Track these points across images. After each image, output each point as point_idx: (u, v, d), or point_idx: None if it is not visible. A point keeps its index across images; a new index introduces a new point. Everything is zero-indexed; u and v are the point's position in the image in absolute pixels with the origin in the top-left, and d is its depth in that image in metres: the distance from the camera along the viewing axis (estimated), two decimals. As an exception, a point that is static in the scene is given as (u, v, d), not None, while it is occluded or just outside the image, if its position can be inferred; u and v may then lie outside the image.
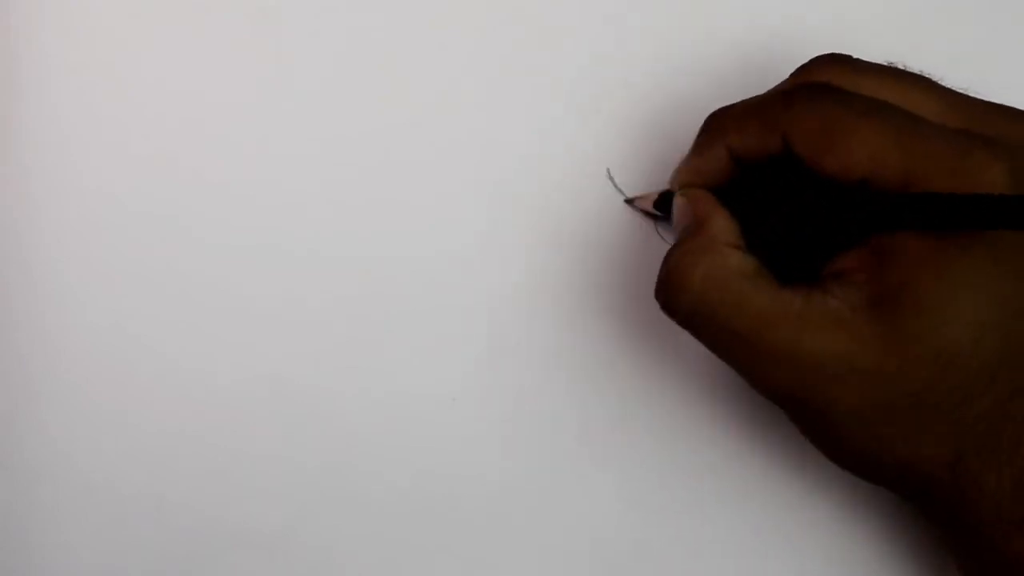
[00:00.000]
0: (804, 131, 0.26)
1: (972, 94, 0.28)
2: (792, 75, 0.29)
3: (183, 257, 0.33)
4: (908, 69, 0.28)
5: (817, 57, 0.29)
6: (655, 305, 0.29)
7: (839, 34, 0.35)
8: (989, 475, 0.25)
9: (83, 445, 0.33)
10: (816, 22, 0.35)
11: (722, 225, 0.28)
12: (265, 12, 0.34)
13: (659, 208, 0.32)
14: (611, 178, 0.34)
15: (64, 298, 0.33)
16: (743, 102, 0.28)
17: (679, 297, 0.27)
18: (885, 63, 0.28)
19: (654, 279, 0.28)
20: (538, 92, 0.34)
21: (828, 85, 0.27)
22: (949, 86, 0.28)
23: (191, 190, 0.33)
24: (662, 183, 0.34)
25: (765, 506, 0.32)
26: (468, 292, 0.33)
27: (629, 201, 0.33)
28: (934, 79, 0.28)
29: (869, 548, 0.32)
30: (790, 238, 0.27)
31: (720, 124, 0.29)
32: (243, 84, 0.34)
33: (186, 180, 0.33)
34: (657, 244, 0.34)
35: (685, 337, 0.28)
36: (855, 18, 0.35)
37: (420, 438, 0.33)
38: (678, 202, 0.29)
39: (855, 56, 0.28)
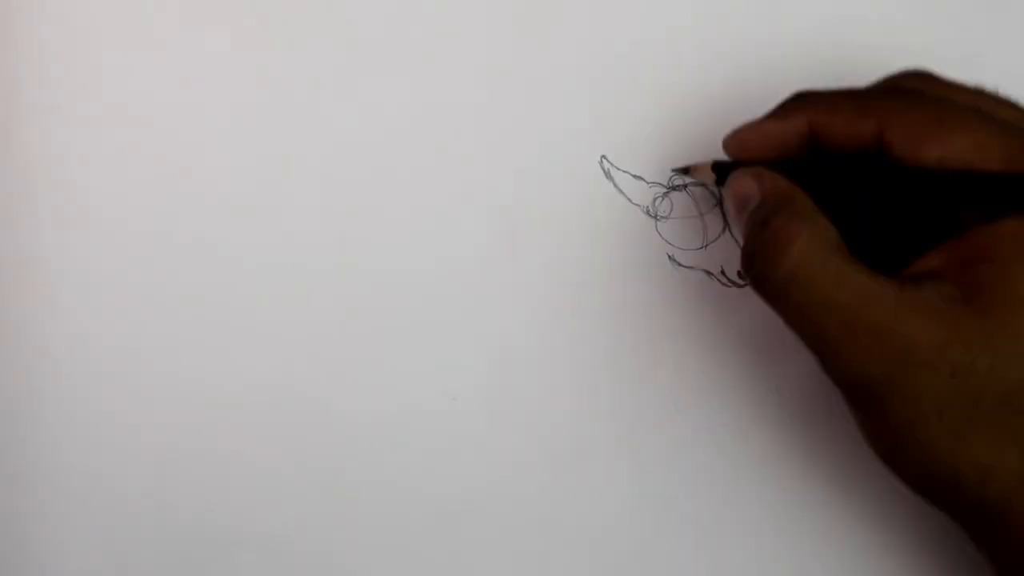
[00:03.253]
0: (906, 120, 0.26)
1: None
2: (877, 83, 0.29)
3: (184, 262, 0.33)
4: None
5: (904, 71, 0.29)
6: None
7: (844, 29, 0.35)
8: None
9: (83, 446, 0.33)
10: (818, 22, 0.35)
11: (806, 199, 0.27)
12: (265, 19, 0.34)
13: (718, 171, 0.31)
14: (606, 170, 0.34)
15: (65, 301, 0.33)
16: (837, 89, 0.28)
17: (775, 265, 0.26)
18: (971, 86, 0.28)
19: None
20: (538, 93, 0.34)
21: (922, 91, 0.27)
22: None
23: (193, 197, 0.33)
24: (661, 177, 0.34)
25: (765, 510, 0.32)
26: (468, 293, 0.33)
27: (682, 171, 0.32)
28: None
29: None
30: (873, 230, 0.27)
31: (811, 97, 0.28)
32: (245, 91, 0.34)
33: (188, 187, 0.33)
34: (658, 244, 0.34)
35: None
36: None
37: (420, 438, 0.33)
38: (743, 179, 0.29)
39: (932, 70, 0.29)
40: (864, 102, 0.27)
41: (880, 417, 0.26)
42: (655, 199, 0.34)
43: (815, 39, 0.35)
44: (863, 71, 0.30)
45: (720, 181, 0.31)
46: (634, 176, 0.34)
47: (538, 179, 0.34)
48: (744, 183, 0.28)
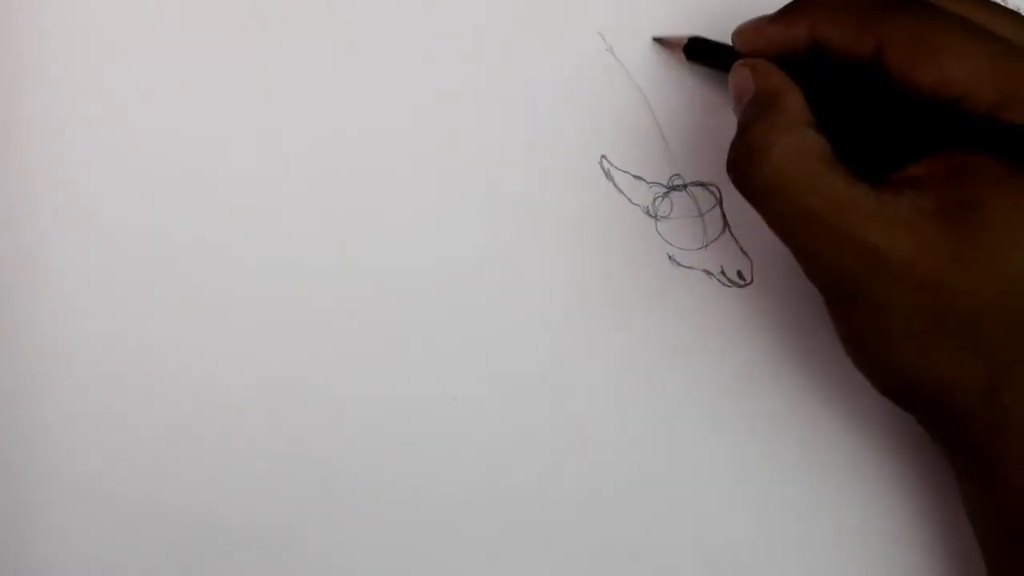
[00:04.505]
0: (904, 38, 0.26)
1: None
2: None
3: (184, 262, 0.33)
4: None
5: None
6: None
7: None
8: (1019, 411, 0.25)
9: (83, 445, 0.33)
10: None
11: (798, 102, 0.27)
12: (265, 19, 0.34)
13: (689, 53, 0.32)
14: (606, 170, 0.34)
15: (65, 301, 0.33)
16: None
17: (756, 171, 0.27)
18: None
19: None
20: (538, 93, 0.34)
21: (928, 3, 0.27)
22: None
23: (193, 196, 0.33)
24: (660, 177, 0.34)
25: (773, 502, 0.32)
26: (468, 292, 0.33)
27: (659, 40, 0.33)
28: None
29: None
30: (865, 137, 0.27)
31: (815, 6, 0.28)
32: (245, 88, 0.34)
33: (188, 186, 0.33)
34: (658, 244, 0.34)
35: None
36: None
37: (420, 438, 0.33)
38: (742, 72, 0.29)
39: None
40: (865, 16, 0.27)
41: (850, 322, 0.27)
42: (655, 199, 0.34)
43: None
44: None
45: (692, 57, 0.32)
46: (634, 176, 0.34)
47: (538, 179, 0.34)
48: (741, 77, 0.29)
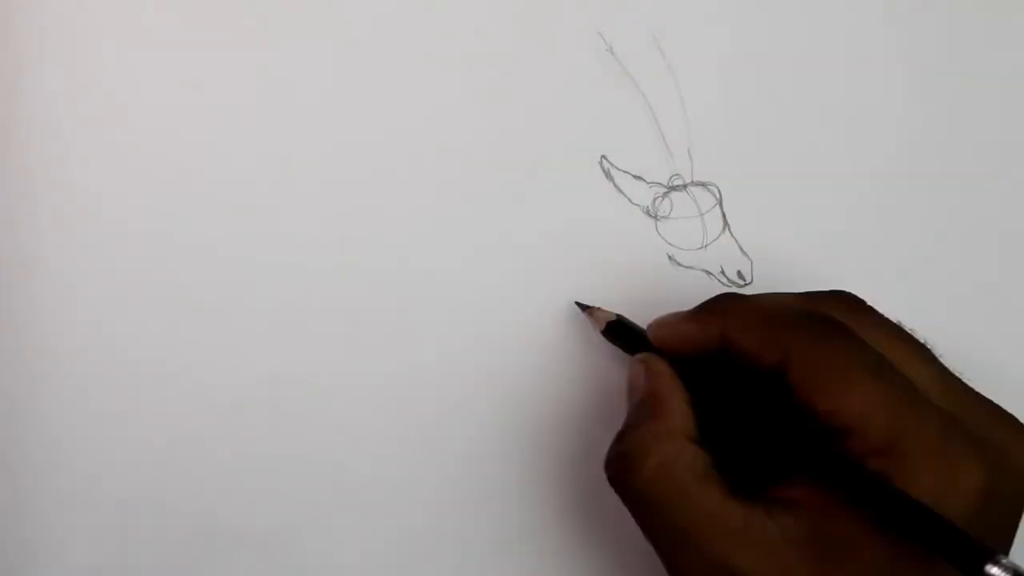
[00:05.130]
0: (808, 362, 0.26)
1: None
2: (807, 296, 0.28)
3: (184, 262, 0.33)
4: (914, 333, 0.28)
5: (832, 292, 0.29)
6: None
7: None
8: None
9: (83, 445, 0.33)
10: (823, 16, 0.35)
11: (682, 412, 0.28)
12: (265, 19, 0.34)
13: (607, 332, 0.32)
14: (606, 170, 0.34)
15: (65, 301, 0.33)
16: (757, 300, 0.28)
17: (629, 478, 0.27)
18: (895, 321, 0.28)
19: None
20: (538, 93, 0.34)
21: (843, 325, 0.27)
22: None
23: (193, 196, 0.33)
24: (660, 177, 0.34)
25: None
26: (468, 293, 0.33)
27: (581, 306, 0.33)
28: (936, 353, 0.28)
29: None
30: (756, 447, 0.27)
31: (729, 312, 0.28)
32: (243, 90, 0.34)
33: (188, 186, 0.33)
34: (658, 244, 0.34)
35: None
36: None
37: (420, 438, 0.33)
38: (637, 368, 0.29)
39: (871, 305, 0.28)
40: (774, 330, 0.27)
41: None
42: (655, 199, 0.34)
43: (816, 48, 0.35)
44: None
45: (609, 335, 0.31)
46: (634, 176, 0.34)
47: (538, 179, 0.34)
48: (636, 373, 0.29)
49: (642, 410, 0.28)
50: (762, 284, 0.34)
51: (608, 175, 0.34)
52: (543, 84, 0.34)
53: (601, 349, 0.33)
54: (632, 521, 0.27)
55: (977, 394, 0.27)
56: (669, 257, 0.34)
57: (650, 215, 0.34)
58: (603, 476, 0.28)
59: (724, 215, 0.34)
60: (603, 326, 0.32)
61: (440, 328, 0.33)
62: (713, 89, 0.34)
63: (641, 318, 0.33)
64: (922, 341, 0.28)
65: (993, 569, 0.22)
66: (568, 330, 0.33)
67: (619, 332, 0.31)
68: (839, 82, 0.35)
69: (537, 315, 0.33)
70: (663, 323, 0.30)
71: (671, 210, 0.34)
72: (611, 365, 0.33)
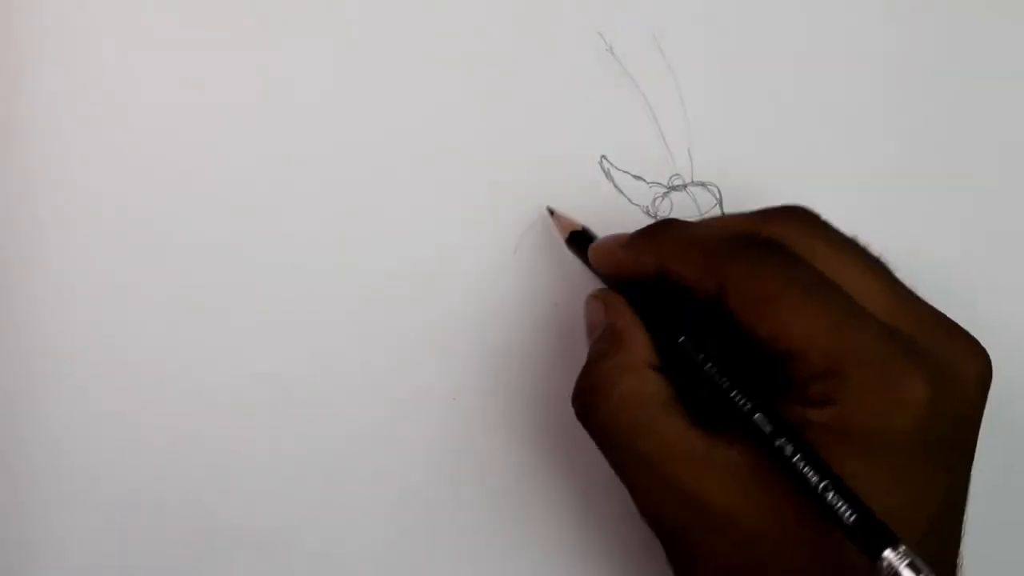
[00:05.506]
0: (744, 289, 0.26)
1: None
2: (755, 213, 0.28)
3: (184, 261, 0.33)
4: (868, 248, 0.27)
5: (785, 207, 0.28)
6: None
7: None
8: None
9: (83, 445, 0.33)
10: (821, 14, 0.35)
11: (641, 342, 0.27)
12: (265, 19, 0.34)
13: (572, 240, 0.32)
14: (606, 170, 0.34)
15: (65, 301, 0.33)
16: (694, 228, 0.28)
17: (595, 411, 0.27)
18: (849, 235, 0.27)
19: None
20: (538, 93, 0.34)
21: (782, 247, 0.26)
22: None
23: (193, 196, 0.33)
24: (660, 177, 0.34)
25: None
26: (468, 293, 0.33)
27: (551, 211, 0.33)
28: (890, 267, 0.27)
29: None
30: (703, 379, 0.26)
31: (665, 240, 0.28)
32: (243, 90, 0.34)
33: (188, 186, 0.33)
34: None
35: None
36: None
37: (421, 438, 0.33)
38: (593, 304, 0.29)
39: (823, 218, 0.28)
40: (709, 257, 0.26)
41: (675, 565, 0.27)
42: (655, 199, 0.34)
43: (816, 48, 0.35)
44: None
45: (570, 244, 0.31)
46: (634, 176, 0.34)
47: (538, 179, 0.34)
48: (594, 309, 0.29)
49: (603, 344, 0.28)
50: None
51: (608, 175, 0.34)
52: (543, 84, 0.34)
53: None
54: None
55: (927, 306, 0.27)
56: (669, 257, 0.34)
57: (650, 215, 0.34)
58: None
59: (724, 215, 0.34)
60: (567, 235, 0.32)
61: (440, 328, 0.33)
62: (713, 89, 0.34)
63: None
64: (876, 255, 0.27)
65: (890, 555, 0.22)
66: (570, 327, 0.33)
67: (581, 243, 0.31)
68: (839, 82, 0.35)
69: (537, 315, 0.33)
70: (601, 247, 0.30)
71: (671, 210, 0.34)
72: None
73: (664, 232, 0.28)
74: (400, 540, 0.33)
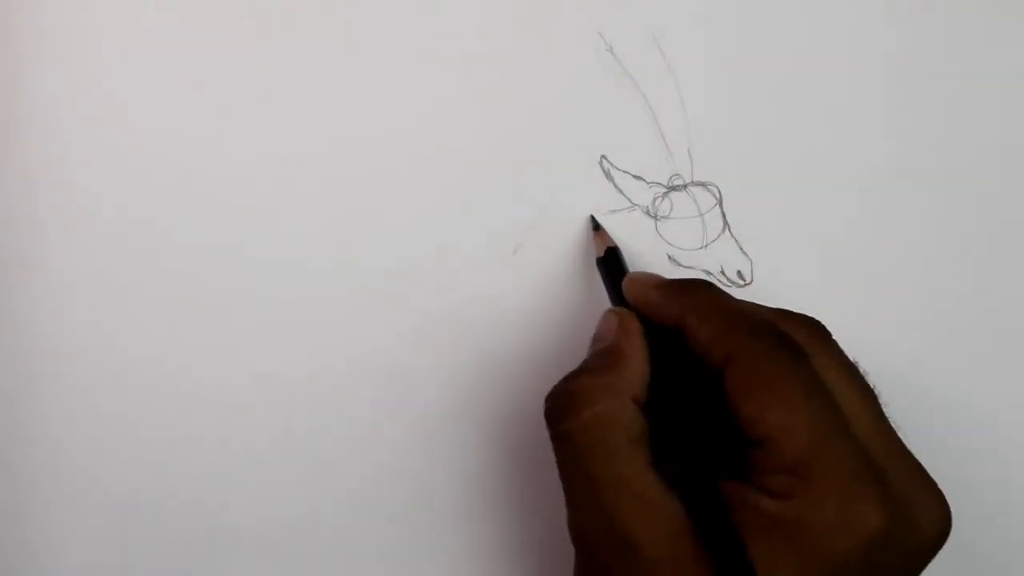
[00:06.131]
0: (749, 367, 0.26)
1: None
2: (778, 310, 0.29)
3: (184, 261, 0.33)
4: (866, 376, 0.28)
5: (806, 316, 0.29)
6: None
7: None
8: None
9: (83, 445, 0.33)
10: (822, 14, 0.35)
11: (636, 372, 0.28)
12: (265, 19, 0.34)
13: (603, 258, 0.32)
14: (606, 170, 0.34)
15: (65, 301, 0.33)
16: (725, 297, 0.28)
17: (565, 418, 0.27)
18: (852, 359, 0.28)
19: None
20: (538, 93, 0.34)
21: (795, 344, 0.27)
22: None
23: (193, 196, 0.33)
24: (660, 177, 0.34)
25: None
26: (468, 293, 0.33)
27: (595, 222, 0.33)
28: (882, 401, 0.28)
29: None
30: (677, 433, 0.27)
31: (695, 296, 0.28)
32: (243, 90, 0.34)
33: (188, 186, 0.33)
34: (658, 244, 0.34)
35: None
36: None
37: (421, 438, 0.33)
38: (610, 318, 0.29)
39: (833, 336, 0.28)
40: (728, 328, 0.27)
41: None
42: (655, 199, 0.34)
43: (816, 48, 0.35)
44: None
45: (601, 262, 0.32)
46: (634, 176, 0.34)
47: (538, 179, 0.34)
48: (607, 321, 0.29)
49: (601, 359, 0.28)
50: (762, 284, 0.34)
51: (608, 175, 0.34)
52: (543, 84, 0.34)
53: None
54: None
55: (905, 448, 0.27)
56: (669, 257, 0.34)
57: (650, 215, 0.34)
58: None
59: (724, 215, 0.34)
60: (602, 252, 0.32)
61: (440, 328, 0.33)
62: (713, 89, 0.34)
63: (641, 318, 0.33)
64: (872, 386, 0.28)
65: None
66: (571, 330, 0.33)
67: (610, 263, 0.32)
68: (839, 82, 0.35)
69: (537, 315, 0.33)
70: (636, 280, 0.30)
71: (671, 210, 0.34)
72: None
73: (696, 289, 0.29)
74: (400, 540, 0.33)
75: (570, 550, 0.27)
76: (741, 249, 0.34)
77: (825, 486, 0.25)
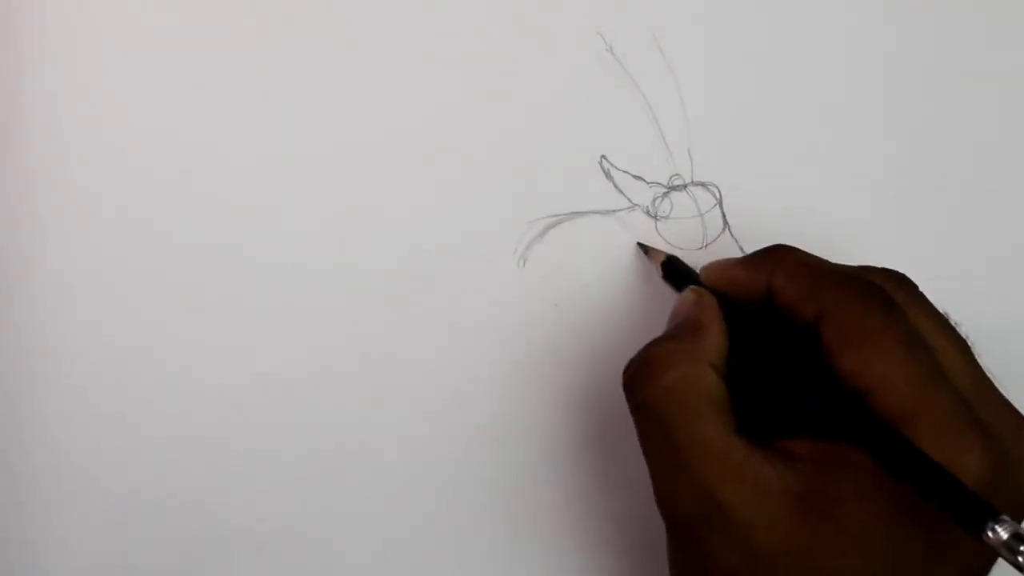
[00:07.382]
0: (844, 319, 0.26)
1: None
2: (861, 267, 0.29)
3: (184, 262, 0.33)
4: (958, 327, 0.28)
5: (889, 270, 0.29)
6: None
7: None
8: None
9: (83, 445, 0.33)
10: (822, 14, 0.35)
11: (715, 342, 0.28)
12: (265, 19, 0.34)
13: (666, 269, 0.32)
14: (606, 170, 0.34)
15: (65, 301, 0.33)
16: (808, 255, 0.28)
17: (644, 385, 0.27)
18: (942, 311, 0.28)
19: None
20: (538, 93, 0.34)
21: (887, 294, 0.27)
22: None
23: (193, 196, 0.33)
24: (660, 177, 0.34)
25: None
26: (468, 293, 0.33)
27: (642, 246, 0.33)
28: (974, 351, 0.28)
29: None
30: (774, 395, 0.27)
31: (779, 259, 0.28)
32: (245, 91, 0.34)
33: (188, 186, 0.33)
34: (658, 244, 0.34)
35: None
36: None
37: (421, 437, 0.33)
38: (687, 296, 0.29)
39: (921, 291, 0.28)
40: (817, 284, 0.27)
41: (673, 560, 0.27)
42: (655, 199, 0.34)
43: (816, 48, 0.35)
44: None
45: (666, 276, 0.32)
46: (634, 176, 0.34)
47: (538, 179, 0.34)
48: (685, 299, 0.29)
49: (678, 330, 0.28)
50: (762, 284, 0.34)
51: (608, 175, 0.34)
52: (543, 84, 0.34)
53: (597, 351, 0.33)
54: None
55: (1001, 394, 0.27)
56: (669, 257, 0.34)
57: (650, 215, 0.34)
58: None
59: (724, 215, 0.34)
60: (663, 259, 0.32)
61: (440, 327, 0.33)
62: (713, 89, 0.34)
63: (642, 318, 0.33)
64: (964, 336, 0.28)
65: (996, 527, 0.23)
66: (571, 330, 0.33)
67: (671, 271, 0.32)
68: (839, 82, 0.35)
69: (537, 315, 0.33)
70: (715, 266, 0.30)
71: (671, 210, 0.34)
72: (612, 369, 0.33)
73: (780, 251, 0.29)
74: (400, 540, 0.33)
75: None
76: (741, 249, 0.34)
77: (929, 433, 0.24)
